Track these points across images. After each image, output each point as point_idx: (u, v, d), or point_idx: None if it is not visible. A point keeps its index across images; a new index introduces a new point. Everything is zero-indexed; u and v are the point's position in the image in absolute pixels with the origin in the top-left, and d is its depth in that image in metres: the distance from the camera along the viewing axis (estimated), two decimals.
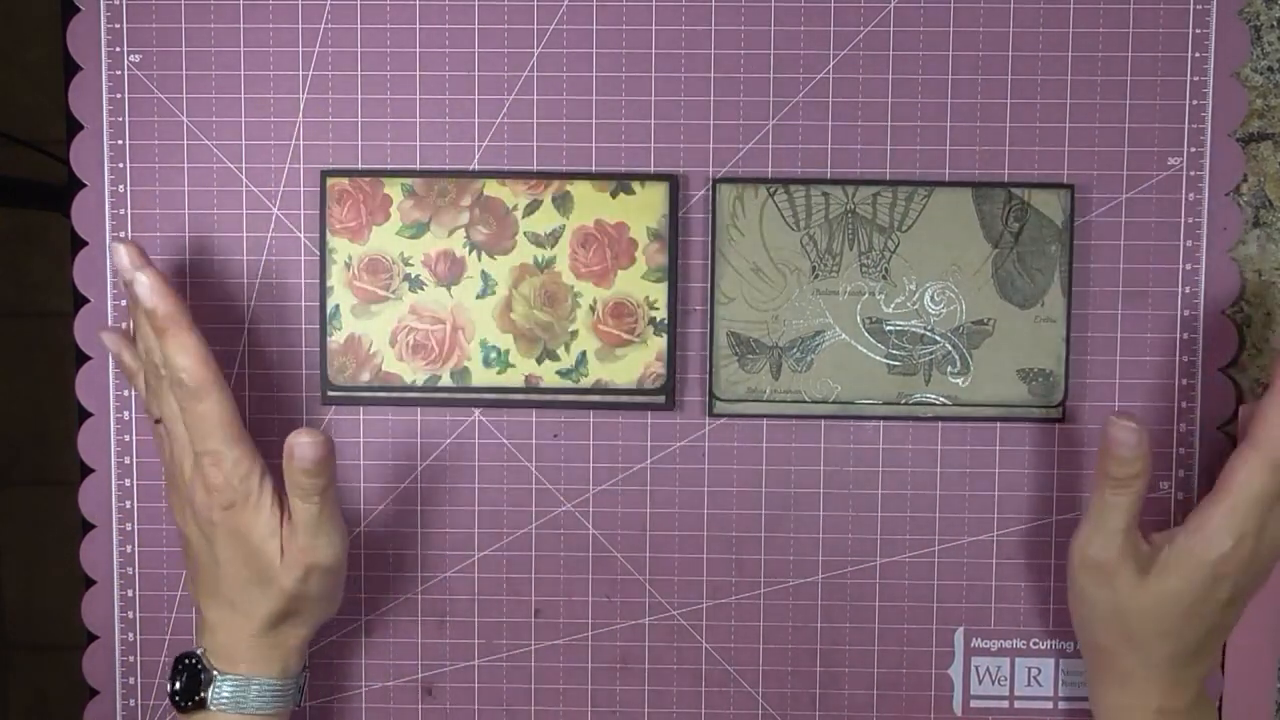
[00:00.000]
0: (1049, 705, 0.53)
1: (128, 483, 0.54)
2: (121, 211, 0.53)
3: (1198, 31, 0.51)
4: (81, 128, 0.53)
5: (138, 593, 0.54)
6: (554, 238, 0.52)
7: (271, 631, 0.48)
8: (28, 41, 1.26)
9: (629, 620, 0.53)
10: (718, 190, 0.51)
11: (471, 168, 0.52)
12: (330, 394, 0.52)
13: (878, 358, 0.52)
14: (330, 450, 0.45)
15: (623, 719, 0.54)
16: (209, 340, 0.48)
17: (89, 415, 0.53)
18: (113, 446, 0.53)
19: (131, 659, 0.54)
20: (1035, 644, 0.53)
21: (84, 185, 0.53)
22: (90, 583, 0.54)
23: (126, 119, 0.53)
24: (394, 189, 0.52)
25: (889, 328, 0.52)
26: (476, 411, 0.53)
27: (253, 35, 0.52)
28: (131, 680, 0.54)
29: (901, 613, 0.53)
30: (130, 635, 0.54)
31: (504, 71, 0.52)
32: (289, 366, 0.53)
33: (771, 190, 0.52)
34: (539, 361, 0.52)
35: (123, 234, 0.53)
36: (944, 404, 0.52)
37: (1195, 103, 0.52)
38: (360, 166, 0.52)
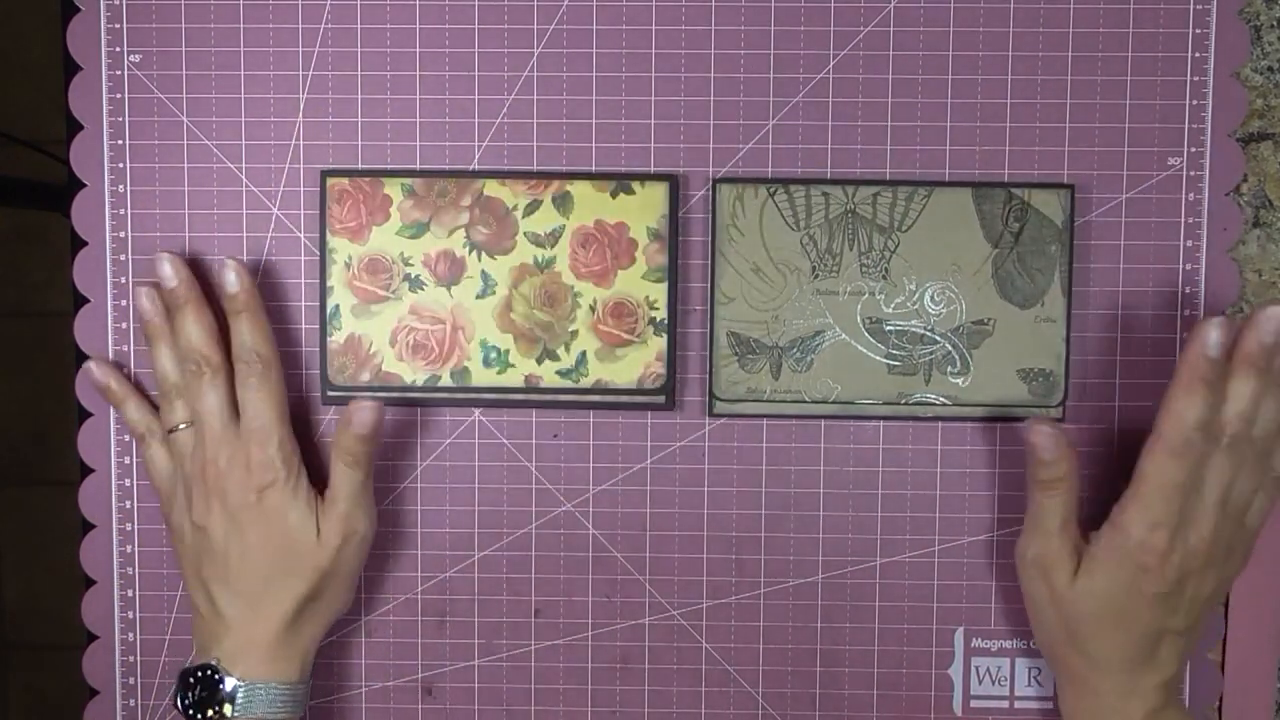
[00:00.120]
0: (1049, 705, 0.53)
1: (128, 483, 0.54)
2: (121, 211, 0.53)
3: (1198, 31, 0.51)
4: (81, 128, 0.53)
5: (138, 593, 0.54)
6: (554, 238, 0.52)
7: (292, 626, 0.48)
8: (28, 41, 1.26)
9: (629, 620, 0.53)
10: (718, 190, 0.51)
11: (471, 168, 0.52)
12: (330, 394, 0.52)
13: (878, 358, 0.52)
14: (383, 419, 0.49)
15: (623, 719, 0.54)
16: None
17: (89, 415, 0.53)
18: (113, 446, 0.53)
19: (131, 659, 0.54)
20: (1035, 644, 0.53)
21: (84, 185, 0.53)
22: (90, 583, 0.54)
23: (126, 119, 0.53)
24: (394, 189, 0.52)
25: (889, 328, 0.52)
26: (476, 411, 0.53)
27: (253, 35, 0.52)
28: (131, 680, 0.54)
29: (901, 613, 0.53)
30: (130, 635, 0.54)
31: (504, 71, 0.52)
32: (289, 366, 0.53)
33: (771, 190, 0.52)
34: (539, 361, 0.52)
35: (122, 234, 0.53)
36: (944, 404, 0.52)
37: (1195, 103, 0.52)
38: (360, 166, 0.52)
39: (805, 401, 0.52)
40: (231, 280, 0.49)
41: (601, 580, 0.53)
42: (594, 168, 0.52)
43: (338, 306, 0.52)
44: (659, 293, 0.52)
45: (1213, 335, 0.45)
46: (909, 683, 0.53)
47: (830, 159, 0.52)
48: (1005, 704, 0.54)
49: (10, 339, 1.29)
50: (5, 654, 1.31)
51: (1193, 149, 0.52)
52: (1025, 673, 0.53)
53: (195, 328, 0.49)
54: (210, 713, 0.47)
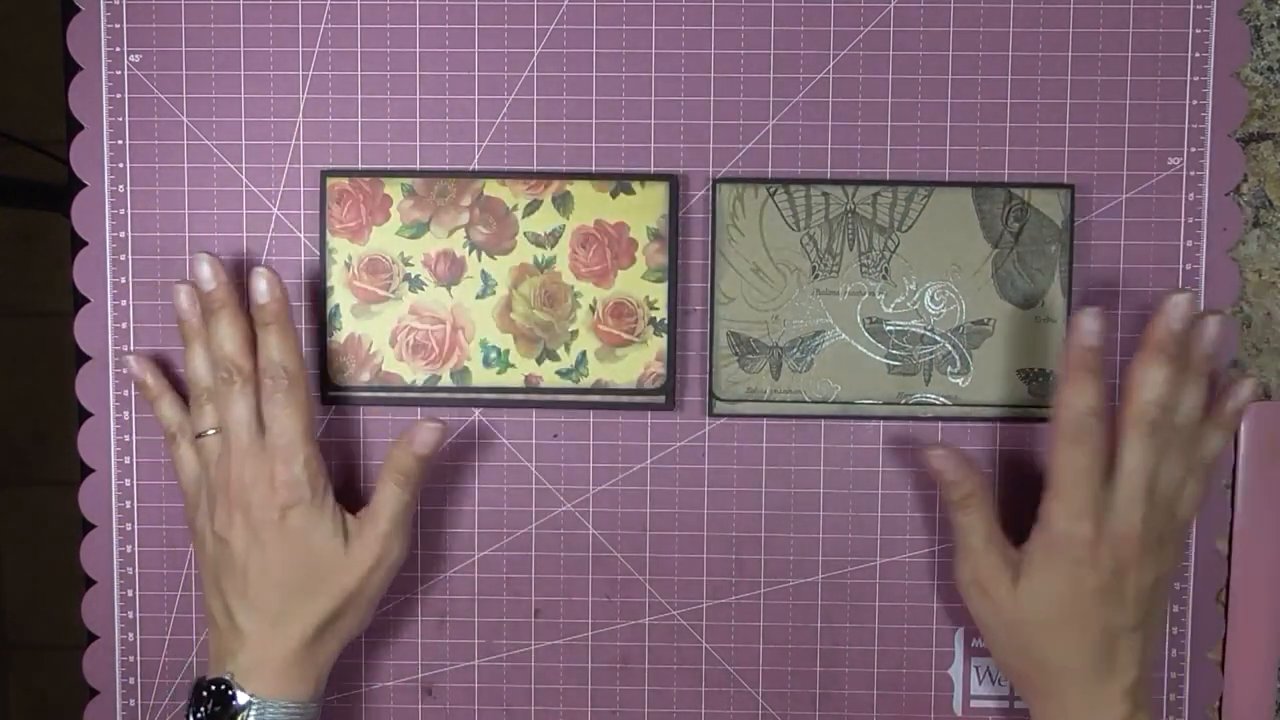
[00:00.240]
0: None
1: (128, 483, 0.54)
2: (121, 211, 0.53)
3: (1198, 31, 0.51)
4: (81, 128, 0.53)
5: (138, 593, 0.54)
6: (554, 238, 0.52)
7: (311, 645, 0.48)
8: (28, 41, 1.26)
9: (629, 620, 0.53)
10: (718, 190, 0.51)
11: (471, 168, 0.52)
12: (330, 394, 0.52)
13: (878, 358, 0.52)
14: (444, 441, 0.49)
15: (623, 719, 0.54)
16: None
17: (89, 415, 0.53)
18: (113, 446, 0.53)
19: (131, 659, 0.54)
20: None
21: (84, 185, 0.53)
22: (90, 583, 0.54)
23: (126, 119, 0.53)
24: (394, 189, 0.52)
25: (889, 328, 0.52)
26: (476, 411, 0.53)
27: (253, 35, 0.52)
28: (131, 680, 0.54)
29: (901, 613, 0.53)
30: (130, 635, 0.54)
31: (504, 71, 0.52)
32: None
33: (771, 190, 0.52)
34: (539, 361, 0.52)
35: (122, 234, 0.53)
36: (944, 404, 0.52)
37: (1195, 103, 0.52)
38: (360, 166, 0.52)
39: (805, 401, 0.52)
40: (262, 290, 0.48)
41: (601, 580, 0.53)
42: (594, 168, 0.52)
43: (338, 306, 0.52)
44: (659, 293, 0.52)
45: (1089, 324, 0.46)
46: (909, 683, 0.53)
47: (830, 159, 0.52)
48: (1005, 704, 0.54)
49: (10, 339, 1.29)
50: (5, 654, 1.31)
51: (1193, 149, 0.52)
52: None
53: (229, 334, 0.48)
54: None
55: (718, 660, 0.53)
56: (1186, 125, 0.52)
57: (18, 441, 1.29)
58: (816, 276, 0.52)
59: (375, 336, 0.52)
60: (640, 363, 0.52)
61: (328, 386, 0.52)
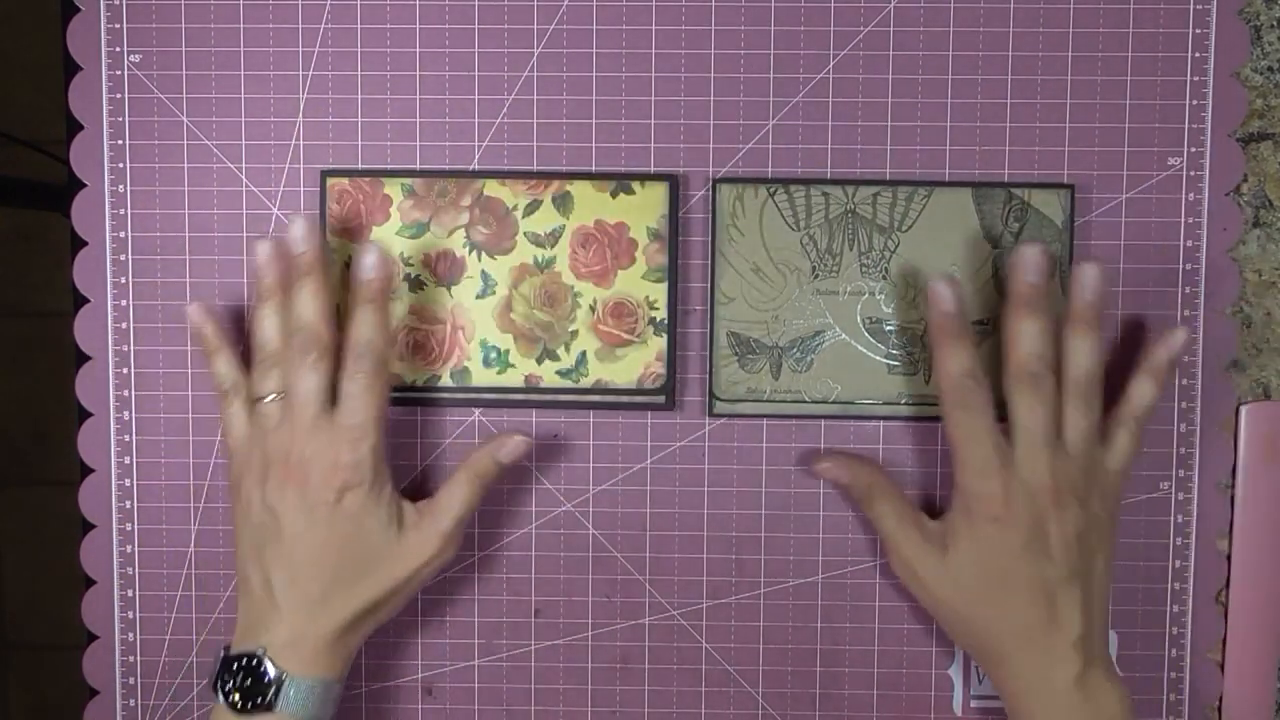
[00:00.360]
0: None
1: (128, 483, 0.54)
2: (121, 211, 0.53)
3: (1198, 31, 0.51)
4: (81, 128, 0.53)
5: (138, 593, 0.54)
6: (554, 238, 0.52)
7: (348, 630, 0.47)
8: (28, 41, 1.26)
9: (629, 620, 0.53)
10: (718, 190, 0.51)
11: (471, 168, 0.52)
12: None
13: (878, 358, 0.52)
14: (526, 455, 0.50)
15: (623, 719, 0.54)
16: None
17: (89, 415, 0.53)
18: (113, 446, 0.53)
19: (131, 659, 0.54)
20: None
21: (84, 185, 0.53)
22: (90, 583, 0.54)
23: (126, 119, 0.53)
24: (394, 189, 0.52)
25: (889, 328, 0.52)
26: (476, 411, 0.53)
27: (253, 35, 0.52)
28: (131, 680, 0.54)
29: (901, 612, 0.53)
30: (130, 635, 0.54)
31: (504, 71, 0.52)
32: None
33: (771, 190, 0.52)
34: (539, 361, 0.52)
35: (122, 234, 0.53)
36: None
37: (1195, 103, 0.52)
38: (360, 166, 0.52)
39: (805, 401, 0.52)
40: (369, 265, 0.47)
41: (601, 580, 0.53)
42: (594, 168, 0.52)
43: (337, 307, 0.52)
44: (659, 293, 0.52)
45: (943, 292, 0.47)
46: (909, 683, 0.53)
47: (830, 159, 0.52)
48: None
49: (10, 339, 1.29)
50: (5, 654, 1.31)
51: (1193, 149, 0.52)
52: None
53: (314, 302, 0.47)
54: (252, 704, 0.45)
55: (718, 660, 0.54)
56: (1186, 125, 0.52)
57: (18, 441, 1.29)
58: (816, 276, 0.52)
59: None
60: (640, 363, 0.52)
61: None
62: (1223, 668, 0.53)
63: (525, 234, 0.52)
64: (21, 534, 1.30)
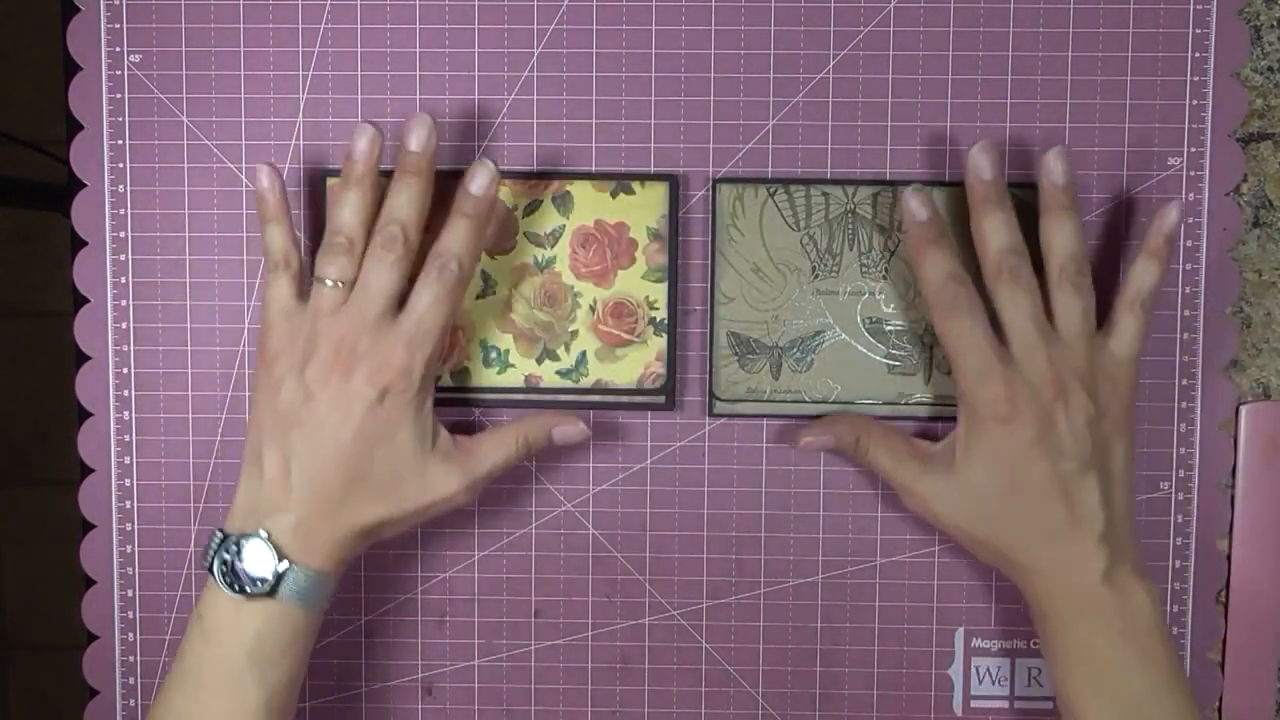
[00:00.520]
0: (1049, 705, 0.53)
1: (128, 483, 0.54)
2: (121, 211, 0.53)
3: (1198, 31, 0.51)
4: (81, 128, 0.53)
5: (138, 593, 0.54)
6: (554, 238, 0.52)
7: (354, 535, 0.46)
8: (28, 41, 1.26)
9: (629, 620, 0.53)
10: (718, 190, 0.52)
11: None
12: None
13: (878, 358, 0.52)
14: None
15: (623, 719, 0.54)
16: (209, 339, 0.51)
17: (89, 415, 0.53)
18: (113, 446, 0.53)
19: (131, 659, 0.54)
20: (1035, 644, 0.53)
21: (84, 185, 0.53)
22: (90, 583, 0.54)
23: (126, 119, 0.53)
24: None
25: (889, 328, 0.52)
26: (476, 411, 0.53)
27: (253, 35, 0.52)
28: (131, 680, 0.54)
29: (901, 613, 0.53)
30: (130, 635, 0.54)
31: (504, 71, 0.52)
32: None
33: (771, 190, 0.52)
34: (539, 361, 0.52)
35: (122, 234, 0.53)
36: (944, 404, 0.52)
37: (1195, 103, 0.52)
38: None
39: (805, 401, 0.52)
40: (481, 183, 0.47)
41: (601, 580, 0.53)
42: (594, 168, 0.52)
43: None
44: (659, 293, 0.52)
45: (912, 203, 0.48)
46: (909, 683, 0.53)
47: (830, 159, 0.52)
48: (1005, 704, 0.54)
49: (10, 339, 1.29)
50: (5, 654, 1.31)
51: (1193, 149, 0.52)
52: (1025, 673, 0.53)
53: (416, 202, 0.46)
54: (251, 588, 0.44)
55: (718, 660, 0.54)
56: (1186, 125, 0.52)
57: (18, 441, 1.29)
58: (816, 276, 0.52)
59: None
60: (640, 363, 0.52)
61: None
62: (1223, 668, 0.53)
63: (525, 234, 0.52)
64: (21, 534, 1.30)
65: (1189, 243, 0.52)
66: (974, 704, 0.54)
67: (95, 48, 0.52)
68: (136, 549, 0.54)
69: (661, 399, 0.52)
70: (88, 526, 0.54)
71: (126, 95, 0.53)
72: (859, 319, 0.52)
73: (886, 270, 0.52)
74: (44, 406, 1.28)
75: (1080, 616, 0.45)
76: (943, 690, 0.54)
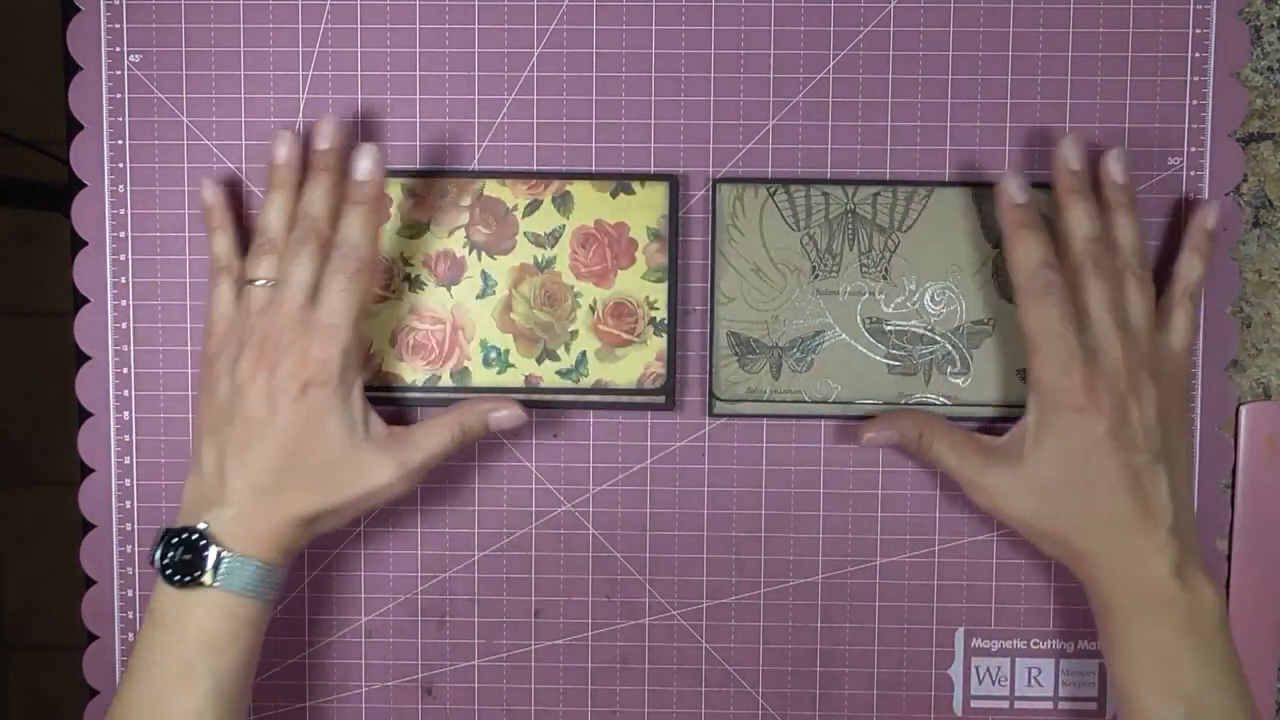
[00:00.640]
0: (1049, 705, 0.53)
1: (128, 483, 0.54)
2: (121, 211, 0.53)
3: (1198, 31, 0.51)
4: (81, 128, 0.53)
5: (137, 592, 0.54)
6: (554, 238, 0.52)
7: (294, 526, 0.46)
8: (28, 41, 1.26)
9: (629, 620, 0.53)
10: (718, 190, 0.52)
11: (471, 168, 0.52)
12: None
13: (878, 358, 0.52)
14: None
15: (623, 719, 0.54)
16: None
17: (89, 415, 0.53)
18: (113, 446, 0.53)
19: None
20: (1035, 644, 0.53)
21: (84, 185, 0.53)
22: (90, 583, 0.54)
23: (126, 119, 0.53)
24: (394, 189, 0.52)
25: (889, 328, 0.52)
26: None
27: (253, 35, 0.52)
28: None
29: (901, 613, 0.53)
30: (130, 635, 0.54)
31: (504, 71, 0.52)
32: None
33: (771, 190, 0.52)
34: (539, 361, 0.52)
35: (122, 234, 0.53)
36: (944, 404, 0.52)
37: (1195, 103, 0.52)
38: None
39: (805, 401, 0.52)
40: (366, 169, 0.48)
41: (601, 580, 0.53)
42: (594, 168, 0.52)
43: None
44: (659, 293, 0.52)
45: (1011, 186, 0.48)
46: (909, 683, 0.53)
47: (830, 159, 0.52)
48: (1005, 704, 0.54)
49: (10, 339, 1.29)
50: (5, 654, 1.31)
51: (1193, 149, 0.52)
52: (1025, 673, 0.53)
53: (323, 198, 0.48)
54: (188, 577, 0.45)
55: (718, 660, 0.54)
56: (1186, 125, 0.52)
57: (18, 441, 1.29)
58: (816, 276, 0.52)
59: (375, 336, 0.52)
60: (640, 363, 0.52)
61: None
62: None
63: (525, 234, 0.52)
64: (21, 534, 1.30)
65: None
66: (974, 704, 0.54)
67: (95, 48, 0.52)
68: (136, 549, 0.54)
69: (661, 399, 0.52)
70: (88, 526, 0.54)
71: (126, 95, 0.53)
72: (859, 319, 0.52)
73: (886, 270, 0.52)
74: (44, 406, 1.28)
75: (1147, 609, 0.46)
76: (943, 690, 0.54)
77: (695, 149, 0.52)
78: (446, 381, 0.52)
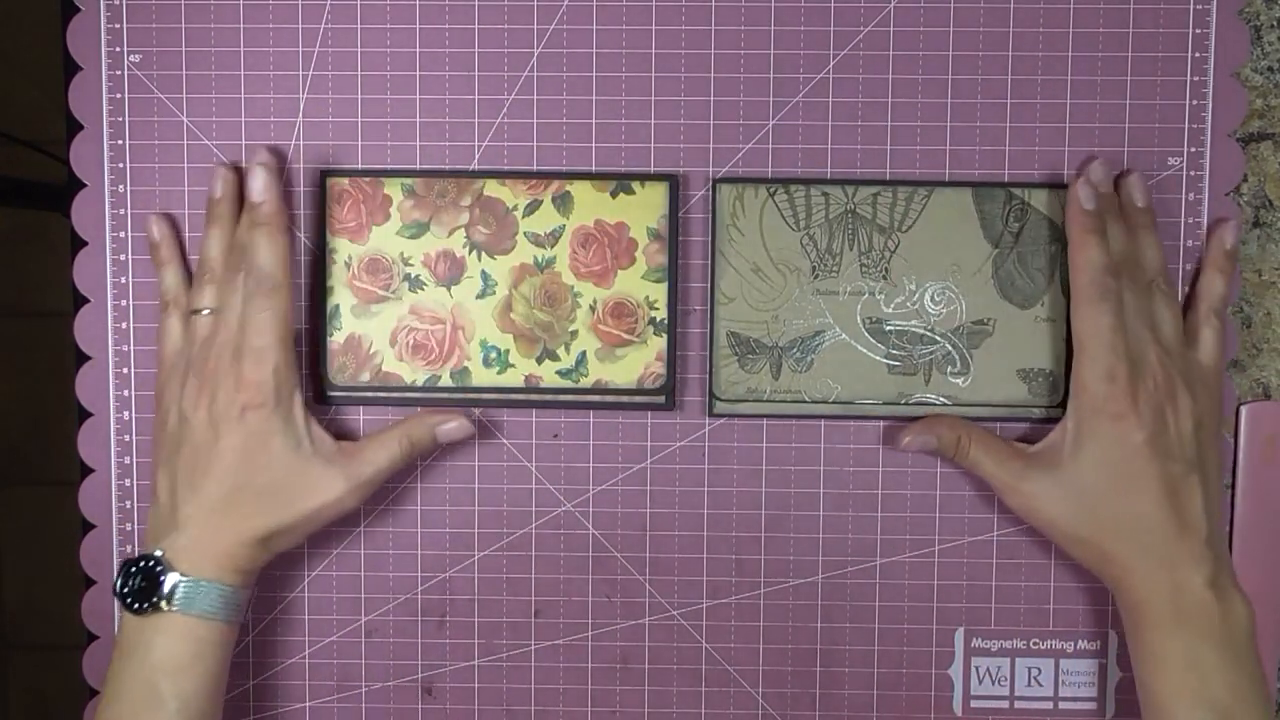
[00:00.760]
0: (1049, 705, 0.53)
1: (128, 483, 0.53)
2: (121, 211, 0.53)
3: (1198, 31, 0.51)
4: (81, 128, 0.53)
5: None
6: (554, 238, 0.52)
7: (248, 546, 0.47)
8: (28, 41, 1.26)
9: (629, 620, 0.53)
10: (717, 190, 0.51)
11: (471, 168, 0.52)
12: (330, 394, 0.52)
13: (878, 358, 0.52)
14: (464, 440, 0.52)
15: (623, 719, 0.54)
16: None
17: (89, 415, 0.53)
18: (113, 446, 0.53)
19: None
20: (1035, 644, 0.53)
21: (84, 185, 0.53)
22: (90, 583, 0.54)
23: (126, 119, 0.53)
24: (394, 189, 0.52)
25: (889, 328, 0.52)
26: (476, 411, 0.53)
27: (253, 35, 0.52)
28: None
29: (901, 613, 0.53)
30: None
31: (504, 71, 0.52)
32: None
33: (771, 190, 0.52)
34: (539, 361, 0.52)
35: (122, 234, 0.53)
36: (944, 404, 0.52)
37: (1195, 103, 0.52)
38: (360, 166, 0.52)
39: (805, 401, 0.52)
40: (258, 188, 0.49)
41: (601, 580, 0.53)
42: (594, 168, 0.52)
43: (338, 306, 0.52)
44: (659, 293, 0.52)
45: (1082, 192, 0.49)
46: (909, 683, 0.53)
47: (830, 159, 0.52)
48: (1005, 704, 0.54)
49: (10, 339, 1.29)
50: (5, 654, 1.31)
51: (1193, 149, 0.52)
52: (1025, 673, 0.53)
53: (271, 249, 0.49)
54: (147, 604, 0.46)
55: (718, 660, 0.54)
56: (1186, 125, 0.52)
57: (18, 441, 1.29)
58: (816, 276, 0.52)
59: (375, 336, 0.52)
60: (640, 363, 0.52)
61: (328, 386, 0.52)
62: None
63: (525, 234, 0.52)
64: (21, 534, 1.30)
65: (1189, 243, 0.52)
66: (974, 704, 0.54)
67: (95, 48, 0.52)
68: (136, 549, 0.54)
69: (661, 399, 0.52)
70: (88, 526, 0.54)
71: (126, 95, 0.52)
72: (859, 319, 0.52)
73: (886, 270, 0.52)
74: (44, 406, 1.28)
75: (1182, 619, 0.46)
76: (943, 690, 0.54)
77: (695, 149, 0.52)
78: (446, 382, 0.52)
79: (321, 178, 0.52)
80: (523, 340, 0.52)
